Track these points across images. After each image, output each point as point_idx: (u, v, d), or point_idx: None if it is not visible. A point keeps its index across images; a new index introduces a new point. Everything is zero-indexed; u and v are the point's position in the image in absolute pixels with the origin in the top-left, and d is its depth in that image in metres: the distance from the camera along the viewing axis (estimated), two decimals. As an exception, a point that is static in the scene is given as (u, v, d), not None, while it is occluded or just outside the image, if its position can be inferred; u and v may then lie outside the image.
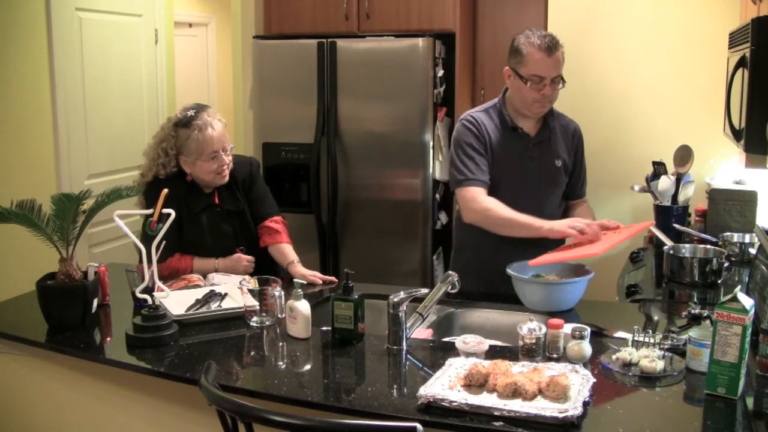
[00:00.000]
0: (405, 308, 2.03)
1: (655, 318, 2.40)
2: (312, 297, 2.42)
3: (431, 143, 3.80)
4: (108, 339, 2.26)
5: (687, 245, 2.86)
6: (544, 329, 1.92)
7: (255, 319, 2.23)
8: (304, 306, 2.12)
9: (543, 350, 1.92)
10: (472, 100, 4.18)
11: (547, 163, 2.61)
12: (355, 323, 2.07)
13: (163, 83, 4.54)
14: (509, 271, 2.37)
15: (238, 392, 1.78)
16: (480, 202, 2.52)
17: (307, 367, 2.02)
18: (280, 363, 2.03)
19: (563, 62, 2.50)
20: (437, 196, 3.91)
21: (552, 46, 2.45)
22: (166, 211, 2.20)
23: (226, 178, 2.68)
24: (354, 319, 2.07)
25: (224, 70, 6.28)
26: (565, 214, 2.73)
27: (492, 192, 2.58)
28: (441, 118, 3.88)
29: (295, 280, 2.36)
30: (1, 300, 2.54)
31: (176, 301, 2.31)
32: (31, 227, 2.17)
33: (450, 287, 2.17)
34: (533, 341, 1.90)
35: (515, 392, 1.65)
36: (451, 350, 1.97)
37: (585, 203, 2.77)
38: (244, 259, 2.69)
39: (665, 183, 3.30)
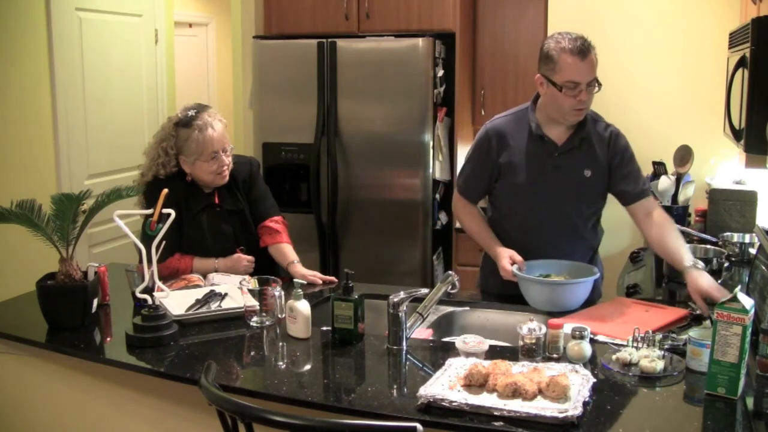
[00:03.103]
0: (405, 308, 2.03)
1: (655, 318, 2.40)
2: (312, 297, 2.43)
3: (431, 143, 3.80)
4: (108, 339, 2.26)
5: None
6: (544, 329, 1.93)
7: (255, 319, 2.23)
8: (304, 306, 2.12)
9: (543, 350, 1.92)
10: (472, 100, 4.17)
11: (573, 173, 2.46)
12: (355, 323, 2.07)
13: (163, 83, 4.54)
14: (515, 271, 2.37)
15: (238, 392, 1.78)
16: (457, 210, 2.71)
17: (307, 367, 2.02)
18: (280, 363, 2.03)
19: (597, 64, 2.36)
20: (437, 196, 3.91)
21: (584, 49, 2.31)
22: (166, 211, 2.20)
23: (226, 179, 2.68)
24: (354, 319, 2.07)
25: (224, 70, 6.28)
26: (640, 225, 2.52)
27: (516, 200, 2.53)
28: (441, 118, 3.88)
29: (295, 280, 2.36)
30: (1, 300, 2.54)
31: (176, 301, 2.31)
32: (31, 227, 2.17)
33: (450, 287, 2.17)
34: (533, 341, 1.90)
35: (515, 392, 1.65)
36: (451, 350, 1.97)
37: (658, 210, 2.51)
38: (244, 259, 2.69)
39: (665, 183, 3.31)
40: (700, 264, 2.29)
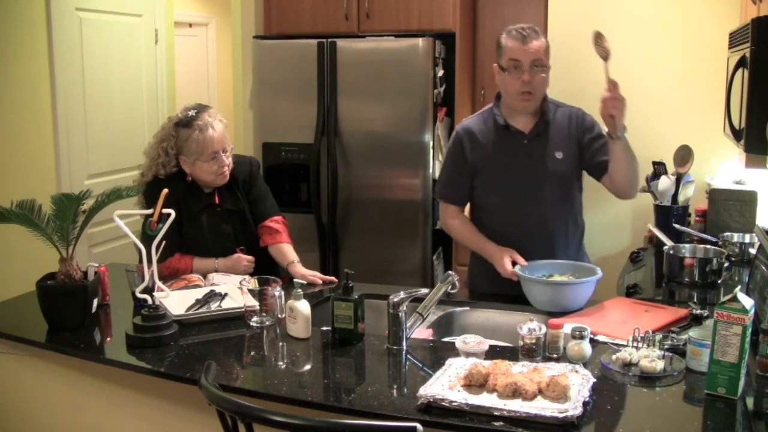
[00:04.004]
0: (405, 308, 2.03)
1: (655, 318, 2.40)
2: (312, 297, 2.43)
3: (431, 143, 3.80)
4: (108, 339, 2.26)
5: (687, 245, 2.86)
6: (544, 329, 1.93)
7: (255, 319, 2.23)
8: (304, 306, 2.12)
9: (543, 350, 1.92)
10: (472, 100, 4.18)
11: (545, 157, 2.54)
12: (355, 323, 2.07)
13: (163, 83, 4.54)
14: (517, 271, 2.37)
15: (238, 392, 1.78)
16: (445, 220, 2.72)
17: (307, 367, 2.02)
18: (280, 363, 2.03)
19: (546, 51, 2.48)
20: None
21: (527, 36, 2.45)
22: (166, 211, 2.20)
23: (226, 179, 2.68)
24: (354, 319, 2.07)
25: (224, 70, 6.28)
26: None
27: (492, 193, 2.59)
28: (441, 118, 3.88)
29: (295, 280, 2.36)
30: (1, 300, 2.54)
31: (176, 301, 2.31)
32: (31, 227, 2.17)
33: (450, 287, 2.17)
34: (533, 341, 1.90)
35: (515, 392, 1.65)
36: (451, 350, 1.97)
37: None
38: (244, 259, 2.69)
39: (665, 183, 3.31)
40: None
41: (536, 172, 2.54)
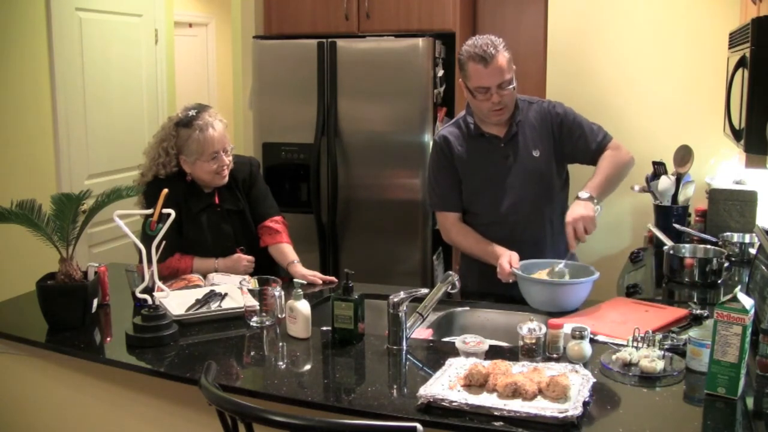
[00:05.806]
0: (405, 308, 2.03)
1: (655, 318, 2.40)
2: (312, 297, 2.43)
3: (431, 143, 3.80)
4: (108, 339, 2.26)
5: (687, 245, 2.87)
6: (544, 329, 1.93)
7: (255, 319, 2.23)
8: (304, 306, 2.12)
9: (543, 350, 1.92)
10: (472, 100, 4.17)
11: (523, 157, 2.56)
12: (355, 323, 2.07)
13: (163, 83, 4.54)
14: (515, 270, 2.38)
15: (238, 392, 1.78)
16: (448, 231, 2.68)
17: (307, 367, 2.02)
18: (280, 363, 2.03)
19: (508, 64, 2.44)
20: (437, 196, 3.90)
21: (487, 57, 2.39)
22: (166, 211, 2.20)
23: (226, 179, 2.68)
24: (354, 319, 2.07)
25: (224, 70, 6.28)
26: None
27: (477, 199, 2.62)
28: (441, 118, 3.88)
29: (295, 280, 2.36)
30: (1, 300, 2.54)
31: (176, 301, 2.31)
32: (31, 227, 2.17)
33: (450, 287, 2.17)
34: (533, 341, 1.90)
35: (515, 392, 1.65)
36: (451, 350, 1.97)
37: (606, 152, 2.55)
38: (244, 259, 2.69)
39: (665, 183, 3.31)
40: (585, 194, 2.41)
41: (515, 172, 2.57)
